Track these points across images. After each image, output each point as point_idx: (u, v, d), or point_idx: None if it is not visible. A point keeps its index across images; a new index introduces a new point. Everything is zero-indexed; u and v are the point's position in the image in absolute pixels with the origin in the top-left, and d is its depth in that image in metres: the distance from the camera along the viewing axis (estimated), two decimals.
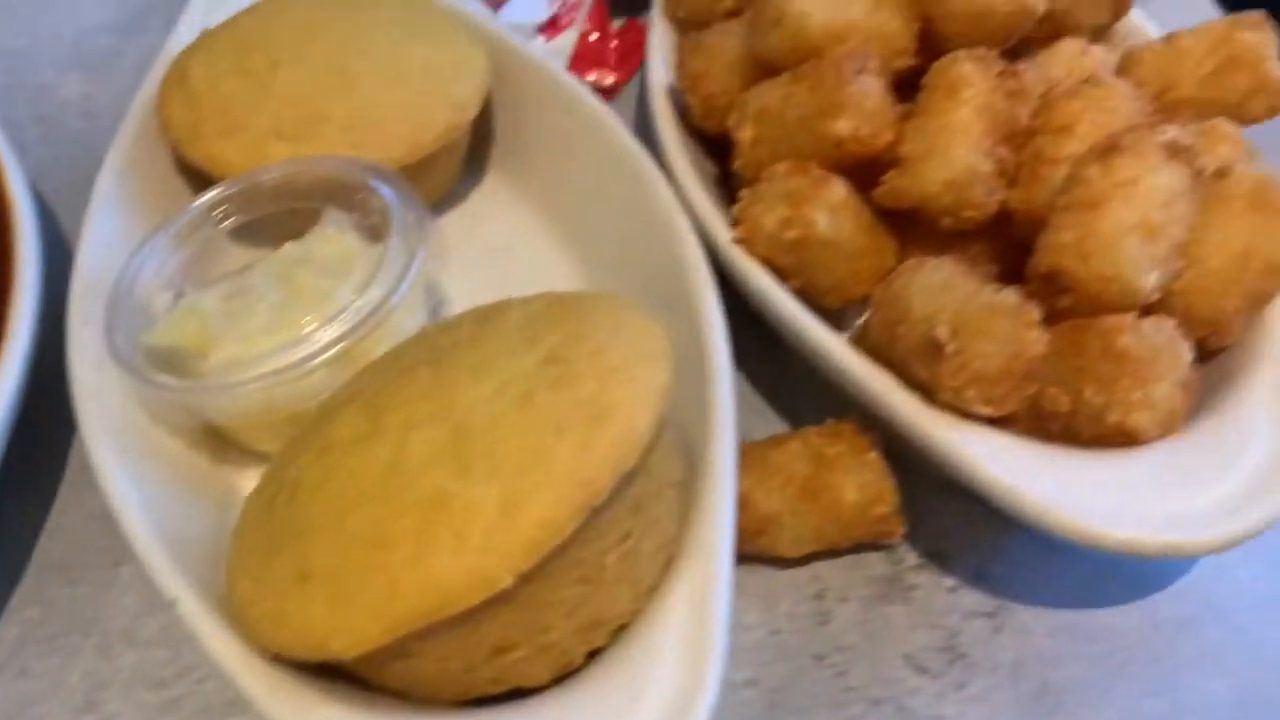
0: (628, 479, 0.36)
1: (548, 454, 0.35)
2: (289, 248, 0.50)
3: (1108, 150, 0.43)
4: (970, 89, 0.47)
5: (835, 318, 0.52)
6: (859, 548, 0.48)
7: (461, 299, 0.57)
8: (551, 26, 0.69)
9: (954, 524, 0.48)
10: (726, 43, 0.56)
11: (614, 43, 0.70)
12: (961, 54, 0.48)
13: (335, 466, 0.38)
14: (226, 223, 0.53)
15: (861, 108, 0.48)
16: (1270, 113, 0.52)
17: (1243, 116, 0.52)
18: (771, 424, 0.53)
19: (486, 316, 0.42)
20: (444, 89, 0.56)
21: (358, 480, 0.37)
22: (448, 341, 0.41)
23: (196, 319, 0.48)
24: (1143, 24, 0.60)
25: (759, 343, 0.52)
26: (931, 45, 0.52)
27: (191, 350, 0.48)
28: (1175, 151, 0.43)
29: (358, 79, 0.55)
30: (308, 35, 0.57)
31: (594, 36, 0.69)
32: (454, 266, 0.58)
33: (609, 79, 0.69)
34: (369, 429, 0.38)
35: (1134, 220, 0.42)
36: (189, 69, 0.57)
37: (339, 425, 0.39)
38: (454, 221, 0.61)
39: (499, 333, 0.40)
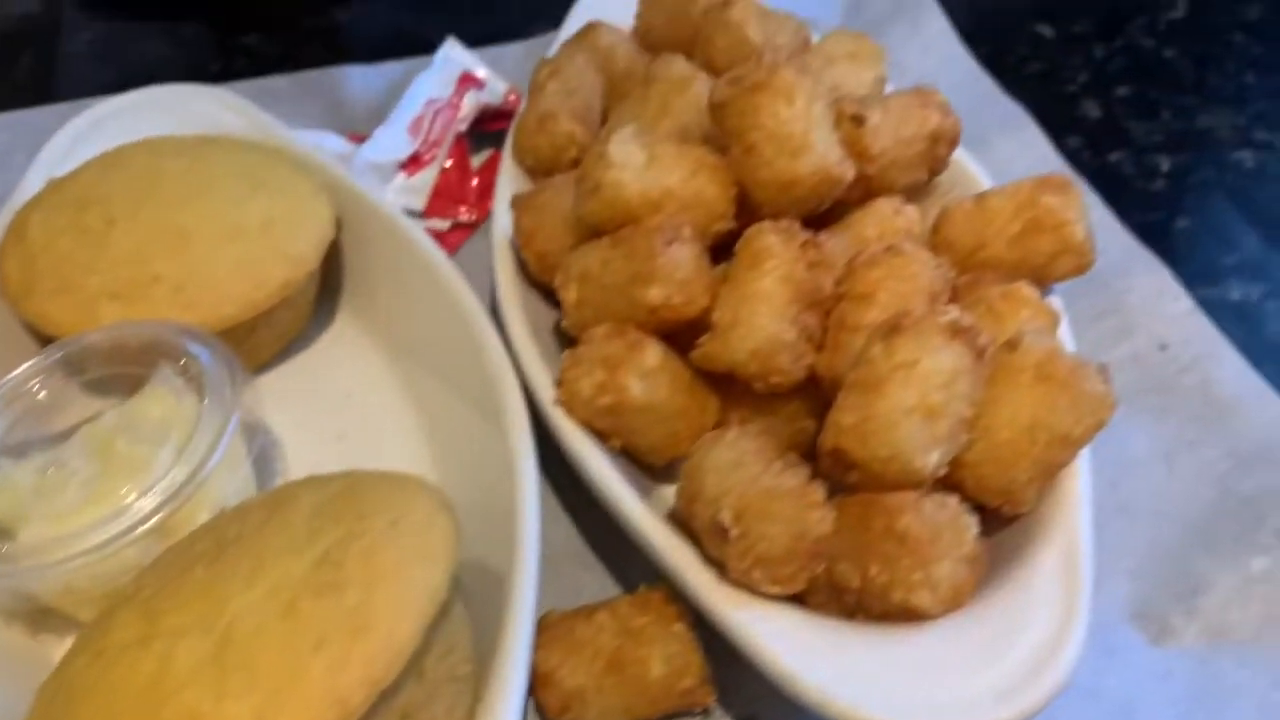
0: (393, 688, 0.36)
1: (304, 670, 0.35)
2: (109, 417, 0.50)
3: (891, 331, 0.44)
4: (772, 260, 0.49)
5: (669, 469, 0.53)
6: (672, 715, 0.48)
7: (297, 450, 0.57)
8: (413, 163, 0.70)
9: (768, 687, 0.48)
10: (559, 200, 0.57)
11: (475, 180, 0.71)
12: (766, 225, 0.50)
13: (104, 673, 0.38)
14: (46, 391, 0.53)
15: (673, 277, 0.50)
16: (1077, 271, 0.54)
17: (1051, 274, 0.54)
18: (600, 578, 0.54)
19: (279, 502, 0.42)
20: (281, 244, 0.57)
21: (121, 691, 0.37)
22: (234, 533, 0.41)
23: (9, 493, 0.48)
24: (971, 168, 0.62)
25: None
26: (748, 209, 0.53)
27: (3, 524, 0.48)
28: (957, 332, 0.44)
29: (193, 237, 0.56)
30: (148, 189, 0.58)
31: (455, 173, 0.71)
32: (294, 413, 0.59)
33: (469, 215, 0.70)
34: (141, 634, 0.38)
35: (912, 402, 0.43)
36: (28, 224, 0.57)
37: (116, 627, 0.39)
38: (301, 364, 0.62)
39: (284, 525, 0.40)
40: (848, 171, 0.52)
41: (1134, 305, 0.60)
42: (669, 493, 0.52)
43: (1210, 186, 0.73)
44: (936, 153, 0.56)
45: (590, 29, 0.68)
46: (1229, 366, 0.57)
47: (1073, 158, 0.75)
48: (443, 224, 0.70)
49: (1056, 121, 0.78)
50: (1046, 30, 0.87)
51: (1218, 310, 0.64)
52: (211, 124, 0.66)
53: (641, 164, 0.52)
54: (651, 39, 0.70)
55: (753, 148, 0.51)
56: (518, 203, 0.58)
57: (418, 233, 0.60)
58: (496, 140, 0.74)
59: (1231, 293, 0.66)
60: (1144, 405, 0.57)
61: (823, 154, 0.51)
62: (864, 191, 0.55)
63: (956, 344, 0.44)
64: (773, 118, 0.51)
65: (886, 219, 0.54)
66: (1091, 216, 0.65)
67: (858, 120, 0.54)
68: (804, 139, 0.51)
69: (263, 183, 0.59)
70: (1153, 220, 0.71)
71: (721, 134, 0.54)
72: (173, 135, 0.63)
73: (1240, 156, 0.75)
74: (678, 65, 0.61)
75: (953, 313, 0.44)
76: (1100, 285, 0.59)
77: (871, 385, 0.43)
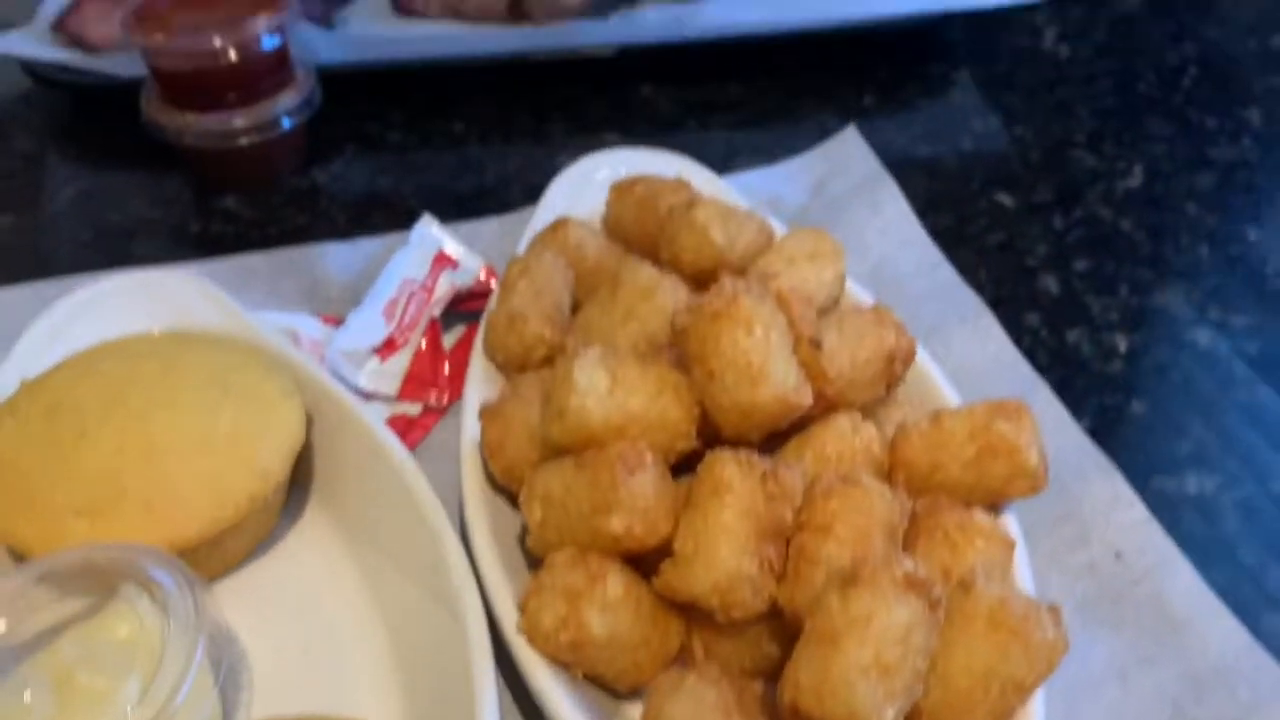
0: None
1: None
2: (68, 644, 0.50)
3: (847, 582, 0.45)
4: (731, 493, 0.50)
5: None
6: None
7: (261, 662, 0.57)
8: (387, 347, 0.71)
9: None
10: (525, 411, 0.58)
11: (446, 364, 0.72)
12: (726, 456, 0.51)
13: None
14: (6, 618, 0.52)
15: (635, 507, 0.50)
16: (1031, 492, 0.55)
17: (1006, 495, 0.55)
18: None
19: None
20: (249, 456, 0.58)
21: None
22: None
23: None
24: (929, 370, 0.63)
25: None
26: (711, 429, 0.54)
27: None
28: (912, 584, 0.45)
29: (162, 449, 0.56)
30: (118, 397, 0.58)
31: (428, 357, 0.72)
32: (260, 619, 0.58)
33: (440, 399, 0.71)
34: None
35: (868, 660, 0.43)
36: (0, 431, 0.58)
37: None
38: (268, 564, 0.62)
39: None
40: (806, 398, 0.53)
41: (1089, 512, 0.61)
42: (635, 712, 0.52)
43: (1166, 368, 0.75)
44: (893, 371, 0.58)
45: (560, 225, 0.69)
46: (1182, 579, 0.58)
47: (1032, 335, 0.77)
48: (414, 408, 0.71)
49: (1017, 297, 0.80)
50: (1006, 199, 0.89)
51: (1174, 504, 0.66)
52: (186, 314, 0.67)
53: (605, 389, 0.53)
54: (620, 230, 0.72)
55: (713, 374, 0.53)
56: (485, 413, 0.59)
57: (388, 437, 0.61)
58: (471, 316, 0.76)
59: (1188, 484, 0.67)
60: (1100, 617, 0.58)
61: (781, 382, 0.53)
62: (824, 407, 0.56)
63: (911, 596, 0.45)
64: (732, 346, 0.53)
65: (845, 437, 0.55)
66: (1048, 414, 0.68)
67: (815, 344, 0.55)
68: (762, 367, 0.52)
69: (232, 388, 0.60)
70: (1110, 404, 0.72)
71: (684, 355, 0.55)
72: (146, 334, 0.65)
73: (1195, 336, 0.77)
74: (643, 272, 0.63)
75: (907, 564, 0.45)
76: (1057, 489, 0.60)
77: (828, 639, 0.44)
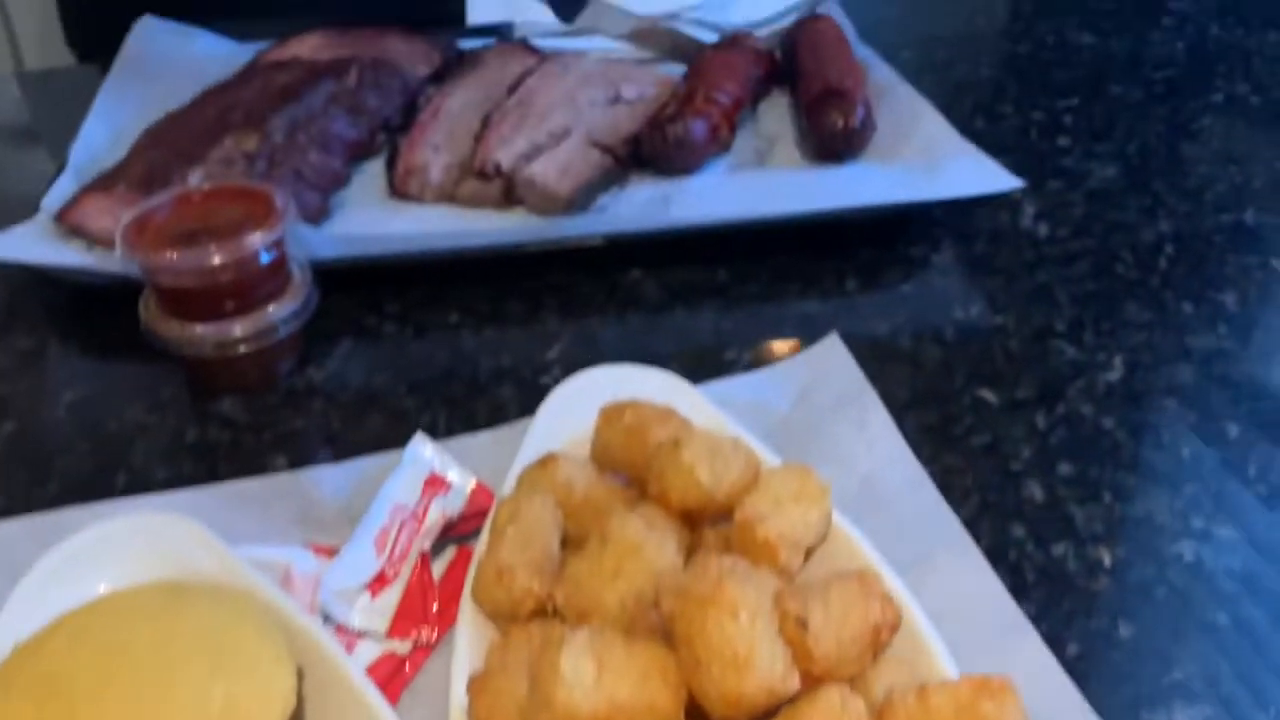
0: None
1: None
2: None
3: None
4: None
5: None
6: None
7: None
8: (378, 581, 0.72)
9: None
10: (513, 685, 0.59)
11: (435, 601, 0.72)
12: None
13: None
14: None
15: None
16: None
17: None
18: None
19: None
20: None
21: None
22: None
23: None
24: (917, 620, 0.64)
25: None
26: (698, 712, 0.55)
27: None
28: None
29: None
30: (110, 671, 0.58)
31: (417, 592, 0.72)
32: None
33: (430, 635, 0.71)
34: None
35: None
36: None
37: None
38: None
39: None
40: (792, 685, 0.54)
41: None
42: None
43: (1151, 585, 0.75)
44: (879, 640, 0.59)
45: (548, 462, 0.71)
46: None
47: (1018, 549, 0.78)
48: (403, 646, 0.71)
49: (1003, 505, 0.81)
50: (990, 395, 0.91)
51: None
52: (180, 560, 0.68)
53: (593, 679, 0.54)
54: (609, 457, 0.74)
55: (700, 662, 0.54)
56: (473, 686, 0.60)
57: (377, 699, 0.61)
58: (462, 539, 0.76)
59: None
60: None
61: (768, 671, 0.53)
62: (810, 683, 0.57)
63: None
64: (719, 633, 0.54)
65: (834, 713, 0.56)
66: (1035, 659, 0.68)
67: (801, 623, 0.56)
68: (748, 657, 0.53)
69: (225, 655, 0.60)
70: (1096, 627, 0.73)
71: (671, 636, 0.56)
72: (139, 589, 0.65)
73: (1179, 549, 0.78)
74: (631, 527, 0.64)
75: None
76: None
77: None
